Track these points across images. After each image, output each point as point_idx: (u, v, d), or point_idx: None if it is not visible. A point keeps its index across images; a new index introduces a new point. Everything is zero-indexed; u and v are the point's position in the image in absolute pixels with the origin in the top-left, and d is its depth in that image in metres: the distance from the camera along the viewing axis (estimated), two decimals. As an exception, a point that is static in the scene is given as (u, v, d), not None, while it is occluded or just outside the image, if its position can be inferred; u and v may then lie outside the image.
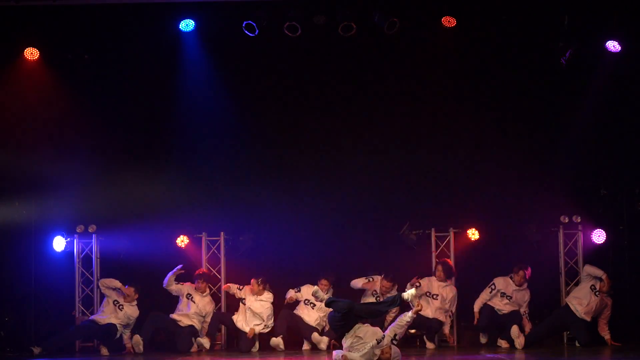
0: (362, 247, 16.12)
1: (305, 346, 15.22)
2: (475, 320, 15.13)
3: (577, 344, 14.97)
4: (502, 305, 15.06)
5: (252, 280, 15.31)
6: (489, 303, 15.09)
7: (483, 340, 15.26)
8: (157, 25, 15.45)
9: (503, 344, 14.98)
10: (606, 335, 14.93)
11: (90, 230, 15.76)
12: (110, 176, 16.15)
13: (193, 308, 15.23)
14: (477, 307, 15.10)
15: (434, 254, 15.70)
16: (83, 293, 15.77)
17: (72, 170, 16.03)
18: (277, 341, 14.97)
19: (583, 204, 15.77)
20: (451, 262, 15.38)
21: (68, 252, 15.84)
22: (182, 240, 15.83)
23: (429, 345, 15.05)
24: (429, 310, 15.07)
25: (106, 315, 15.11)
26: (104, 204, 16.17)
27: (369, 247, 16.14)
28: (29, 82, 15.86)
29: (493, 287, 15.13)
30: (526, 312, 15.18)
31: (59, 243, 15.73)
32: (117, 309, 15.14)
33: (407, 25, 15.27)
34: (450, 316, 15.27)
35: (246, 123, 16.30)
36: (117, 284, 15.24)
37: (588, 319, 14.88)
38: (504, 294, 15.08)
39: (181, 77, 16.11)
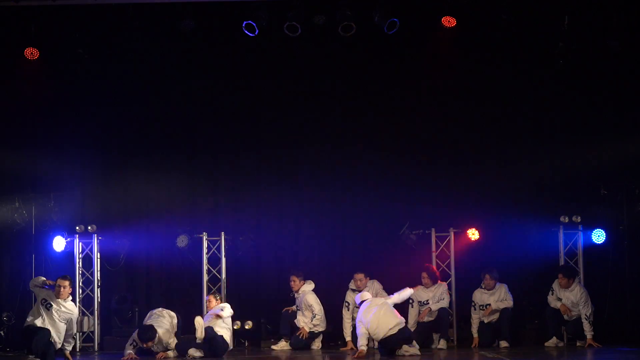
0: (362, 247, 16.13)
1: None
2: None
3: (578, 344, 15.00)
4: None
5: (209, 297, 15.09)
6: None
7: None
8: (157, 25, 15.45)
9: (503, 344, 15.00)
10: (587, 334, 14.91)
11: (90, 230, 15.75)
12: (111, 176, 16.20)
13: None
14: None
15: (434, 254, 15.69)
16: (83, 293, 15.76)
17: (72, 170, 16.06)
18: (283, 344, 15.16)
19: (583, 204, 15.77)
20: (434, 267, 15.35)
21: (68, 252, 15.82)
22: (182, 240, 15.82)
23: (442, 344, 14.98)
24: (424, 315, 15.07)
25: (33, 317, 13.39)
26: (104, 204, 16.20)
27: (369, 247, 16.14)
28: (29, 82, 15.86)
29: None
30: None
31: (59, 243, 15.71)
32: (44, 309, 13.36)
33: (407, 25, 15.27)
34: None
35: (246, 123, 16.31)
36: (40, 280, 13.54)
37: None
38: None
39: (181, 77, 16.12)
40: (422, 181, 16.09)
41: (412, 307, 15.16)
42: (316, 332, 15.20)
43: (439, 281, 15.22)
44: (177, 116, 16.30)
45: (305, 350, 15.06)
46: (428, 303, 15.10)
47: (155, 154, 16.29)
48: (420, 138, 16.20)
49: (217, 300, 14.92)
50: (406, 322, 15.04)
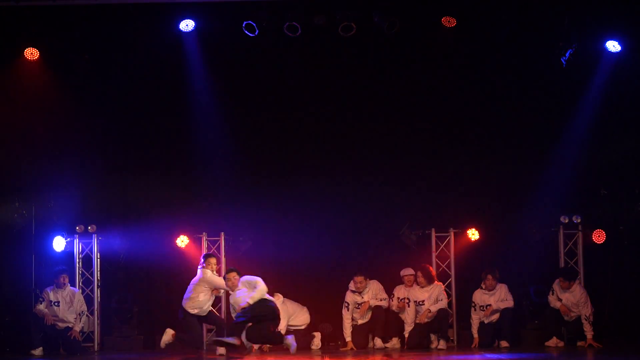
0: (362, 247, 16.14)
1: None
2: None
3: (578, 343, 15.01)
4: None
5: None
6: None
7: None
8: (157, 25, 15.45)
9: (503, 344, 15.00)
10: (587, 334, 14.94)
11: (90, 230, 15.76)
12: (110, 176, 16.20)
13: None
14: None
15: (434, 254, 15.70)
16: (83, 293, 15.74)
17: (72, 170, 16.06)
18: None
19: (583, 204, 15.77)
20: (430, 267, 15.34)
21: (68, 252, 15.83)
22: (182, 240, 15.82)
23: (442, 344, 14.98)
24: (423, 317, 15.06)
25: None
26: (104, 204, 16.20)
27: (369, 247, 16.16)
28: (29, 82, 15.86)
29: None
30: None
31: (59, 243, 15.72)
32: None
33: (407, 25, 15.27)
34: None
35: (246, 122, 16.32)
36: None
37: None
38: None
39: (181, 77, 16.12)
40: (422, 181, 16.10)
41: (409, 306, 15.15)
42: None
43: (436, 282, 15.20)
44: (177, 116, 16.30)
45: (305, 350, 15.06)
46: (424, 303, 15.07)
47: (155, 154, 16.30)
48: (420, 138, 16.22)
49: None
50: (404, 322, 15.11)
